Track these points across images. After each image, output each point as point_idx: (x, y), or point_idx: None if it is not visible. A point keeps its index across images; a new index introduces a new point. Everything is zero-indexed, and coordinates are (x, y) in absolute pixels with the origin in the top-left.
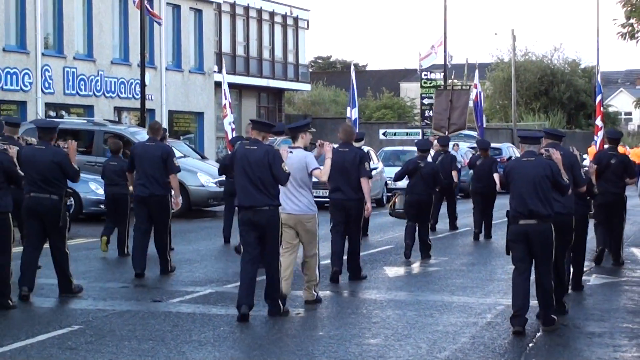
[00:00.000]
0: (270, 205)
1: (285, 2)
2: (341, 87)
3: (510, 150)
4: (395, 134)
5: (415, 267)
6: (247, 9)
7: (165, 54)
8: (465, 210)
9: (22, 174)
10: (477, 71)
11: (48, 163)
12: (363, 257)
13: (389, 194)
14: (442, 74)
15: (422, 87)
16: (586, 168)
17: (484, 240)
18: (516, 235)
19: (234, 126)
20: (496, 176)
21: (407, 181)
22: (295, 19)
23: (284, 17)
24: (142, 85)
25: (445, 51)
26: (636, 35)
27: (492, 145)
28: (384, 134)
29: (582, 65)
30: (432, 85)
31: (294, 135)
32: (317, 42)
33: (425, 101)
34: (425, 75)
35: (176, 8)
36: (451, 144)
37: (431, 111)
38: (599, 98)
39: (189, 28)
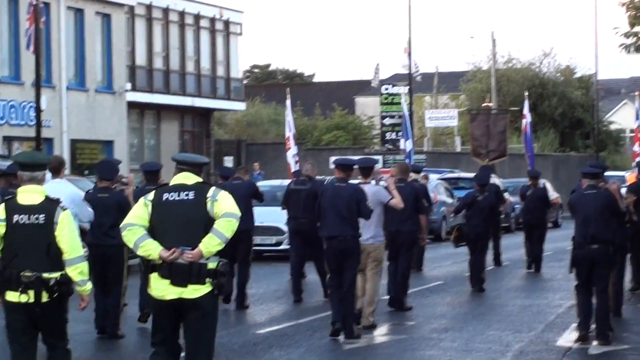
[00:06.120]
0: (353, 235)
1: (213, 2)
2: (283, 103)
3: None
4: None
5: (374, 334)
6: (166, 11)
7: (66, 71)
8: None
9: None
10: (526, 102)
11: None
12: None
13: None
14: (407, 86)
15: (382, 103)
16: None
17: (533, 272)
18: (580, 259)
19: (297, 158)
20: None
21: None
22: (226, 23)
23: (212, 20)
24: (38, 109)
25: (410, 59)
26: None
27: (468, 175)
28: (335, 162)
29: (577, 73)
30: (394, 101)
31: (368, 174)
32: (252, 48)
33: (387, 121)
34: (385, 89)
35: (79, 13)
36: (421, 174)
37: (394, 134)
38: (637, 123)
39: (94, 37)
